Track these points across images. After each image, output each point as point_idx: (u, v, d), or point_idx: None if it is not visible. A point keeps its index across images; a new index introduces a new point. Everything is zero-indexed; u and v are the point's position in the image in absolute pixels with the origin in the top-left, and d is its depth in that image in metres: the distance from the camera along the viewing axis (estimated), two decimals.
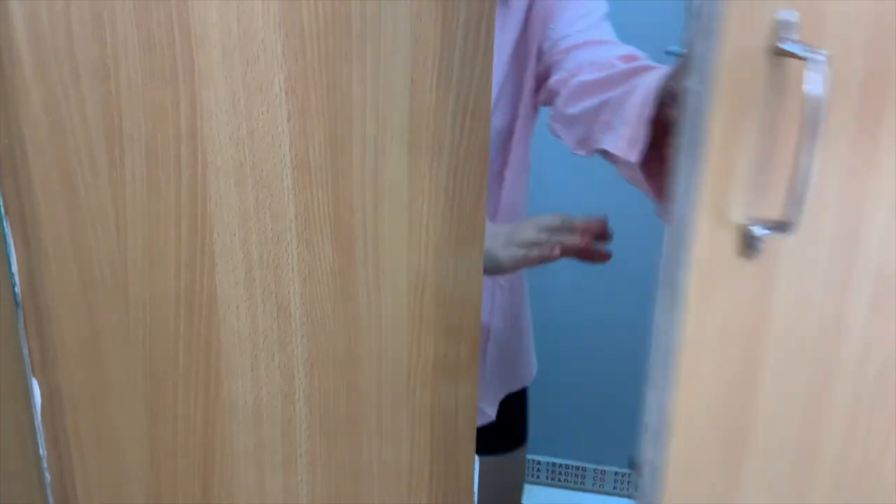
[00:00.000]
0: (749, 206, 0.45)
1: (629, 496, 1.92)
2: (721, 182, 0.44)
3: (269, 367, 0.62)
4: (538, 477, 1.96)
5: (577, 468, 1.95)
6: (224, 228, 0.58)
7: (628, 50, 0.95)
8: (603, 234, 0.92)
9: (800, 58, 0.41)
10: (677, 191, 0.44)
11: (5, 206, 0.60)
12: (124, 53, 0.55)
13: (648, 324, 0.48)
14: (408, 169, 0.55)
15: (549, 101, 1.02)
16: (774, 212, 0.44)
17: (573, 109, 0.93)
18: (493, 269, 0.92)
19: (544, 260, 0.91)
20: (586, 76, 0.92)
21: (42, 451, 0.66)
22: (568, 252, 0.92)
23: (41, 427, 0.65)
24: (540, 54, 1.03)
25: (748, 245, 0.46)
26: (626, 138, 0.77)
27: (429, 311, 0.59)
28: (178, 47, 0.55)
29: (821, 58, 0.41)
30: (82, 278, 0.61)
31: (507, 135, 1.05)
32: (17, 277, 0.61)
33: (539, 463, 1.95)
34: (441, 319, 0.59)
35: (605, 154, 0.84)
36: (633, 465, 1.92)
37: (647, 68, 0.85)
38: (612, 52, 0.93)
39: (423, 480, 0.63)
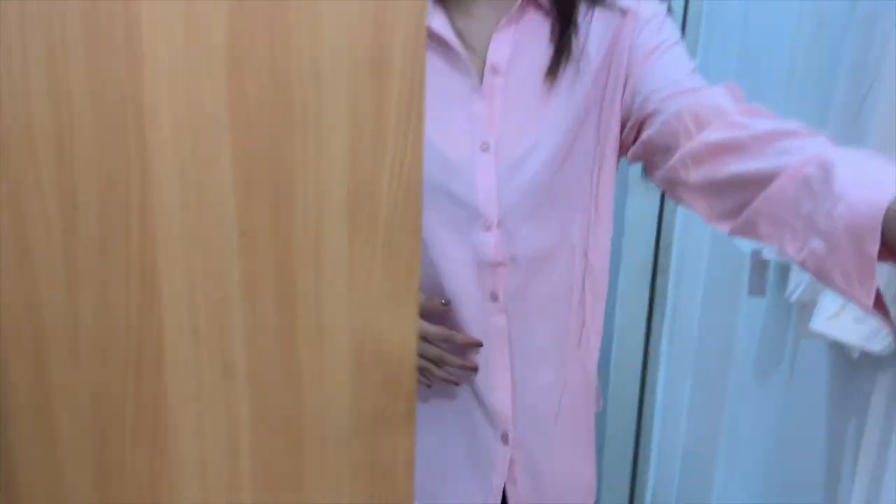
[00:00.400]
0: None
1: None
2: None
3: (215, 424, 0.65)
4: None
5: None
6: (172, 292, 0.61)
7: (735, 95, 0.89)
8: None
9: None
10: None
11: None
12: (80, 129, 0.58)
13: None
14: (347, 236, 0.59)
15: (649, 158, 1.00)
16: None
17: (703, 176, 0.88)
18: None
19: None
20: (711, 135, 0.86)
21: None
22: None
23: None
24: (628, 113, 1.02)
25: None
26: (838, 269, 0.69)
27: (368, 368, 0.62)
28: (131, 122, 0.58)
29: None
30: (35, 336, 0.63)
31: (592, 192, 1.08)
32: None
33: None
34: (379, 376, 0.62)
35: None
36: None
37: (789, 134, 0.80)
38: (720, 100, 0.87)
39: None
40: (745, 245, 1.40)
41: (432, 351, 1.08)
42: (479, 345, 1.07)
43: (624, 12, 1.03)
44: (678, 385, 1.82)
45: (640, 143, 1.03)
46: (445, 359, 1.08)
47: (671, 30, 1.04)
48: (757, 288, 1.34)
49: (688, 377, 1.76)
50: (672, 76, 0.99)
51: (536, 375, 1.11)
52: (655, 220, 1.95)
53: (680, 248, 1.90)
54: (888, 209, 0.67)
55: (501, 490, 1.13)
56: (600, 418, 1.26)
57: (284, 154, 0.58)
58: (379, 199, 0.58)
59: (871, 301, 0.69)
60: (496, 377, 1.09)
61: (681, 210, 1.88)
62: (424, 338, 1.10)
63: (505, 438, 1.11)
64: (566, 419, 1.14)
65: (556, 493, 1.15)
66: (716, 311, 1.66)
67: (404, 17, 0.55)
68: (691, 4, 1.79)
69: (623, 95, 1.03)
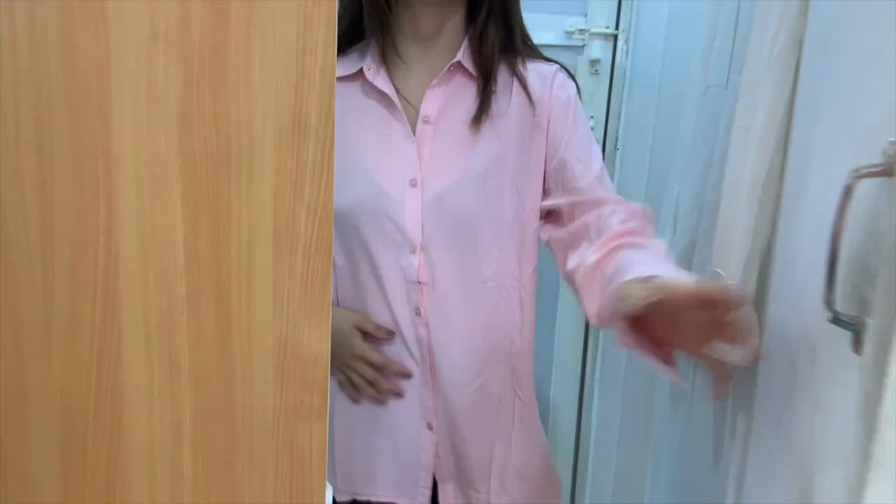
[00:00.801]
0: None
1: None
2: None
3: (163, 415, 0.78)
4: None
5: None
6: (130, 304, 0.75)
7: (642, 219, 1.18)
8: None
9: None
10: None
11: None
12: (60, 170, 0.73)
13: None
14: (273, 260, 0.74)
15: (552, 230, 1.28)
16: None
17: (574, 260, 1.20)
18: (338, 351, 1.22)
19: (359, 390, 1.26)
20: (591, 257, 1.14)
21: None
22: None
23: None
24: (548, 187, 1.28)
25: None
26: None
27: (289, 368, 0.76)
28: (101, 165, 0.73)
29: None
30: (14, 339, 0.77)
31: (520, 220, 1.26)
32: None
33: None
34: (298, 374, 0.76)
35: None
36: None
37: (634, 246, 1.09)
38: (616, 227, 1.15)
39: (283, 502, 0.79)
40: None
41: (369, 373, 1.25)
42: (409, 376, 1.24)
43: (543, 84, 1.21)
44: (611, 410, 1.96)
45: (548, 227, 1.28)
46: (378, 383, 1.24)
47: (581, 117, 1.24)
48: None
49: (618, 401, 1.91)
50: (585, 179, 1.21)
51: (455, 381, 1.26)
52: None
53: None
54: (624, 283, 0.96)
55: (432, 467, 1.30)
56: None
57: (223, 193, 0.73)
58: (298, 231, 0.73)
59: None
60: (425, 376, 1.26)
61: None
62: (368, 362, 1.26)
63: (430, 426, 1.28)
64: (482, 410, 1.30)
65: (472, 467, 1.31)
66: None
67: (318, 88, 0.70)
68: (617, 63, 1.97)
69: (546, 167, 1.23)
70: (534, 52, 1.27)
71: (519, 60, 1.22)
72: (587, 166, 1.22)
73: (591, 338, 2.08)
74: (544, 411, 2.04)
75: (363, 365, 1.26)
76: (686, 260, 1.36)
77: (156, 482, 0.80)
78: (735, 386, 1.05)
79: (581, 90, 1.28)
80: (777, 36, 0.97)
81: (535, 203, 1.26)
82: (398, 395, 1.28)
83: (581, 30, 1.84)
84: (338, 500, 1.36)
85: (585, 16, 1.85)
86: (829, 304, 0.78)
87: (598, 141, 1.38)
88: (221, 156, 0.72)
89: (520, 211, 1.25)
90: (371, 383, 1.26)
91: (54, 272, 0.75)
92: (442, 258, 1.22)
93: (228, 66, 0.71)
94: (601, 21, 1.86)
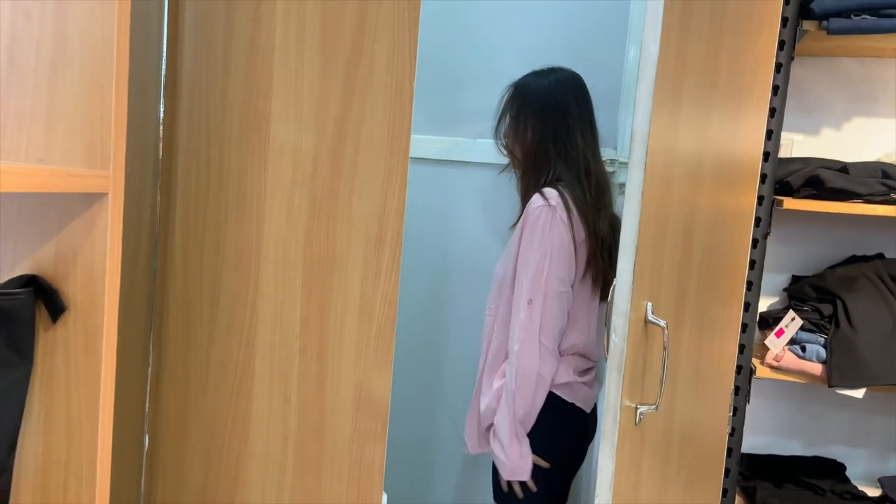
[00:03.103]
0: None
1: None
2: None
3: (275, 432, 1.15)
4: None
5: None
6: (262, 353, 1.14)
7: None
8: None
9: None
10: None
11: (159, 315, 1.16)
12: (227, 264, 1.13)
13: None
14: (357, 328, 1.12)
15: None
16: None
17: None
18: None
19: None
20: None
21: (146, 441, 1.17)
22: None
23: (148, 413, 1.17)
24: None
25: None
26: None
27: (363, 403, 1.12)
28: (253, 261, 1.13)
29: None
30: (185, 380, 1.16)
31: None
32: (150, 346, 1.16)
33: None
34: (368, 408, 1.12)
35: None
36: None
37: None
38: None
39: (352, 501, 1.13)
40: None
41: None
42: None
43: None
44: None
45: None
46: None
47: (528, 237, 1.58)
48: None
49: None
50: (518, 302, 1.57)
51: None
52: None
53: None
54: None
55: None
56: None
57: (327, 282, 1.11)
58: (374, 310, 1.11)
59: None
60: None
61: None
62: None
63: None
64: None
65: None
66: None
67: (392, 219, 1.10)
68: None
69: None
70: None
71: None
72: (521, 296, 1.66)
73: None
74: None
75: None
76: None
77: (267, 479, 1.16)
78: None
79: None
80: None
81: None
82: None
83: (611, 159, 2.21)
84: None
85: (615, 148, 2.23)
86: None
87: None
88: (329, 258, 1.11)
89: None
90: None
91: (215, 331, 1.15)
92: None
93: (338, 203, 1.11)
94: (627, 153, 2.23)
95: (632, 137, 1.05)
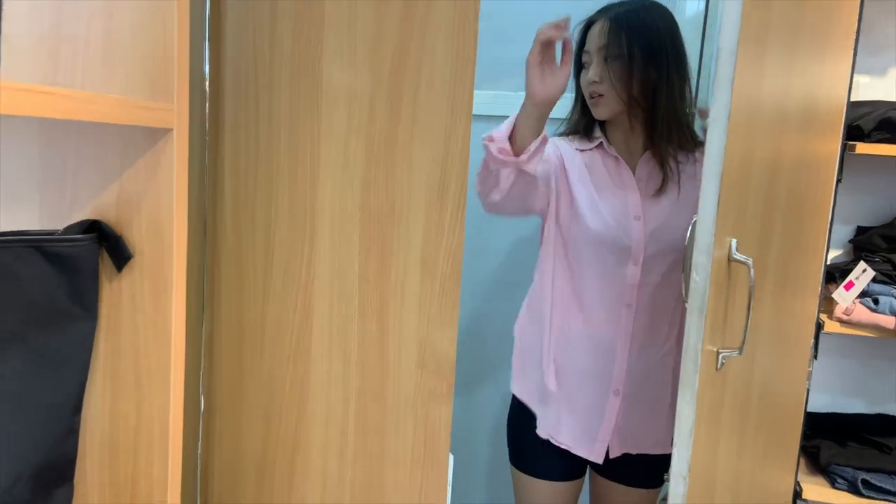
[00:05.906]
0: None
1: None
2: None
3: (336, 394, 1.10)
4: None
5: None
6: (320, 312, 1.08)
7: None
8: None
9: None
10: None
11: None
12: (280, 218, 1.07)
13: None
14: (419, 284, 1.05)
15: None
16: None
17: None
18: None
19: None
20: None
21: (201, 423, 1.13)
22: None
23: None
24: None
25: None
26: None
27: (427, 362, 1.07)
28: (308, 215, 1.07)
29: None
30: (239, 338, 1.11)
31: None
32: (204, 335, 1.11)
33: None
34: (433, 367, 1.07)
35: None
36: None
37: None
38: None
39: (418, 462, 1.08)
40: None
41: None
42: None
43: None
44: None
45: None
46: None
47: None
48: None
49: None
50: None
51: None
52: None
53: None
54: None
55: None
56: None
57: (387, 236, 1.05)
58: (437, 265, 1.05)
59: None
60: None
61: None
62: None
63: (616, 393, 1.55)
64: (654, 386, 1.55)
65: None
66: None
67: (456, 165, 1.03)
68: None
69: None
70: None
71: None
72: None
73: None
74: None
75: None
76: None
77: (328, 442, 1.11)
78: None
79: None
80: None
81: None
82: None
83: None
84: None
85: None
86: None
87: None
88: (388, 210, 1.05)
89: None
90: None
91: (270, 288, 1.09)
92: (653, 267, 1.51)
93: (397, 149, 1.04)
94: None
95: (715, 78, 0.97)
